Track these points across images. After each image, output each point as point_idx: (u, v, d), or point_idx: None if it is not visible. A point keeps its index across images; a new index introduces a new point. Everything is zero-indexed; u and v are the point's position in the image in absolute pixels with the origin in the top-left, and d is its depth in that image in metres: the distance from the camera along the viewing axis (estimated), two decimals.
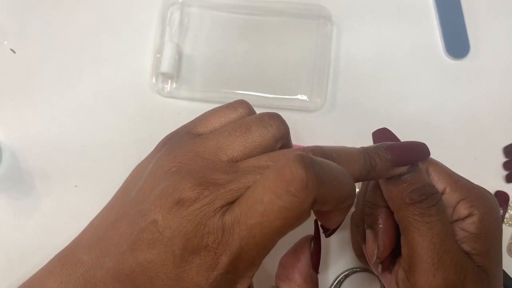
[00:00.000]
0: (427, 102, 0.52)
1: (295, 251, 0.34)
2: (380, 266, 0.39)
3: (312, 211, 0.28)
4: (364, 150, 0.34)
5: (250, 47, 0.52)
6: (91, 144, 0.49)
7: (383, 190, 0.38)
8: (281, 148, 0.35)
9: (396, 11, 0.54)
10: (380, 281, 0.48)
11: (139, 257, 0.29)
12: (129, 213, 0.31)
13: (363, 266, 0.48)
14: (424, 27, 0.54)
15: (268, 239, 0.27)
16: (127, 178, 0.36)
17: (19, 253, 0.46)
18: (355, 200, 0.45)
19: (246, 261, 0.28)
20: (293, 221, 0.27)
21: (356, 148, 0.35)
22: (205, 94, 0.50)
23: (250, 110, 0.37)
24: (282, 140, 0.34)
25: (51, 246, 0.34)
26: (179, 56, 0.51)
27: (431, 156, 0.39)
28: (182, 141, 0.34)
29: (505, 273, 0.47)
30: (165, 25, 0.51)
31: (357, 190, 0.46)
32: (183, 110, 0.50)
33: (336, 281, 0.48)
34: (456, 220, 0.37)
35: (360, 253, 0.45)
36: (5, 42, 0.50)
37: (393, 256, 0.39)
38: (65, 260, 0.32)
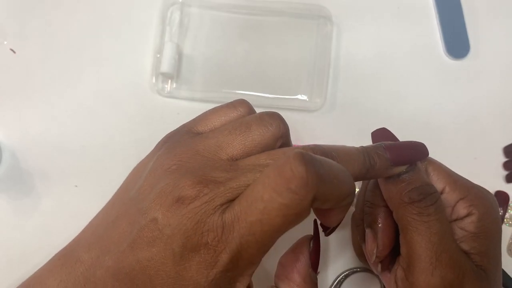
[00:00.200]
0: (427, 102, 0.52)
1: (294, 250, 0.34)
2: (379, 266, 0.39)
3: (312, 210, 0.29)
4: (363, 149, 0.35)
5: (250, 47, 0.52)
6: (91, 144, 0.49)
7: (382, 190, 0.38)
8: (281, 147, 0.35)
9: (396, 11, 0.54)
10: (380, 281, 0.48)
11: (139, 255, 0.29)
12: (129, 212, 0.31)
13: (363, 265, 0.48)
14: (424, 27, 0.54)
15: (268, 237, 0.27)
16: (127, 177, 0.36)
17: (19, 253, 0.46)
18: (355, 200, 0.45)
19: (245, 259, 0.28)
20: (293, 218, 0.27)
21: (355, 147, 0.35)
22: (205, 94, 0.50)
23: (250, 109, 0.37)
24: (282, 139, 0.34)
25: (51, 246, 0.34)
26: (179, 56, 0.51)
27: (431, 156, 0.39)
28: (182, 140, 0.34)
29: (505, 273, 0.47)
30: (165, 25, 0.51)
31: (357, 190, 0.46)
32: (183, 110, 0.50)
33: (336, 281, 0.48)
34: (455, 220, 0.37)
35: (360, 253, 0.45)
36: (5, 42, 0.50)
37: (392, 255, 0.39)
38: (65, 259, 0.32)
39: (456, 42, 0.53)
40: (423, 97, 0.52)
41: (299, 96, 0.51)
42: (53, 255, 0.34)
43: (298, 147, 0.35)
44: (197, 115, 0.38)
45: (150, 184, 0.31)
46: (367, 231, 0.39)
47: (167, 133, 0.37)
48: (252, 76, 0.51)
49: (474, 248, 0.36)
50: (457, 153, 0.51)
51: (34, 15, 0.51)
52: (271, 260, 0.35)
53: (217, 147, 0.32)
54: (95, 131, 0.49)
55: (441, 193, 0.38)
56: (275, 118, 0.34)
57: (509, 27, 0.54)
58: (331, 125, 0.51)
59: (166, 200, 0.29)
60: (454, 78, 0.53)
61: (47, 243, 0.43)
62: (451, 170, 0.39)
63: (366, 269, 0.48)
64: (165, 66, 0.49)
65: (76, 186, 0.48)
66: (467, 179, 0.39)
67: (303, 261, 0.33)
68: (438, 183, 0.38)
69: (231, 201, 0.29)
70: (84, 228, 0.34)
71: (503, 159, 0.51)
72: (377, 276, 0.48)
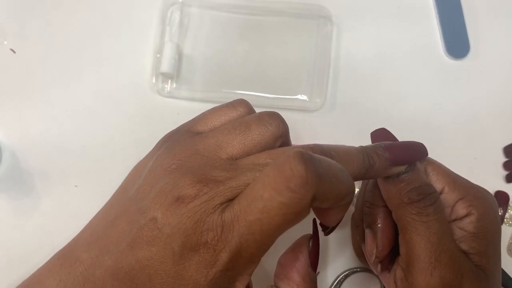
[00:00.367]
0: (427, 102, 0.52)
1: (293, 250, 0.34)
2: (379, 266, 0.39)
3: (311, 210, 0.29)
4: (363, 149, 0.35)
5: (250, 47, 0.52)
6: (91, 144, 0.49)
7: (382, 190, 0.38)
8: (280, 146, 0.35)
9: (396, 11, 0.54)
10: (380, 281, 0.48)
11: (138, 255, 0.29)
12: (128, 211, 0.31)
13: (363, 265, 0.48)
14: (424, 27, 0.54)
15: (268, 236, 0.27)
16: (127, 177, 0.36)
17: (19, 253, 0.46)
18: (355, 200, 0.45)
19: (245, 258, 0.28)
20: (293, 217, 0.27)
21: (354, 147, 0.35)
22: (205, 94, 0.50)
23: (249, 109, 0.37)
24: (282, 138, 0.34)
25: (51, 246, 0.34)
26: (179, 56, 0.51)
27: (431, 156, 0.39)
28: (182, 139, 0.34)
29: (504, 273, 0.47)
30: (165, 25, 0.51)
31: (357, 190, 0.46)
32: (183, 110, 0.50)
33: (336, 281, 0.48)
34: (455, 220, 0.37)
35: (360, 253, 0.45)
36: (5, 42, 0.50)
37: (392, 255, 0.38)
38: (64, 258, 0.32)
39: (456, 42, 0.53)
40: (423, 97, 0.52)
41: (299, 96, 0.51)
42: (53, 255, 0.34)
43: (297, 146, 0.35)
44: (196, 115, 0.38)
45: (150, 183, 0.31)
46: (367, 231, 0.39)
47: (167, 133, 0.37)
48: (252, 76, 0.51)
49: (473, 248, 0.36)
50: (457, 153, 0.51)
51: (34, 15, 0.51)
52: (270, 260, 0.35)
53: (217, 146, 0.32)
54: (95, 131, 0.49)
55: (440, 193, 0.38)
56: (274, 118, 0.34)
57: (509, 27, 0.54)
58: (331, 125, 0.51)
59: (165, 199, 0.29)
60: (454, 78, 0.53)
61: (47, 243, 0.44)
62: (450, 170, 0.39)
63: (366, 269, 0.48)
64: (165, 66, 0.49)
65: (76, 186, 0.48)
66: (466, 179, 0.39)
67: (303, 260, 0.33)
68: (437, 183, 0.38)
69: (231, 200, 0.29)
70: (83, 228, 0.34)
71: (503, 159, 0.51)
72: (377, 276, 0.48)
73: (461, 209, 0.37)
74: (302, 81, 0.51)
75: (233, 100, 0.37)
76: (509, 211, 0.49)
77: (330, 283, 0.48)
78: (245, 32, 0.52)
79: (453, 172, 0.39)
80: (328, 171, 0.28)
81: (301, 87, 0.51)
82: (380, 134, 0.39)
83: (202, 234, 0.28)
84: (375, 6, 0.54)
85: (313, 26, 0.52)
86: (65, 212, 0.47)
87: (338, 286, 0.48)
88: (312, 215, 0.33)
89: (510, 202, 0.50)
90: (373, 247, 0.38)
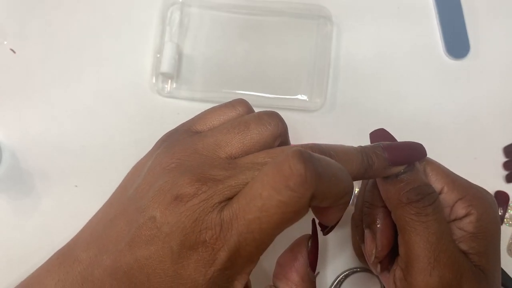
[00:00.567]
0: (427, 102, 0.52)
1: (292, 250, 0.34)
2: (379, 266, 0.39)
3: (310, 209, 0.29)
4: (362, 149, 0.35)
5: (250, 47, 0.52)
6: (91, 144, 0.49)
7: (381, 190, 0.38)
8: (279, 146, 0.35)
9: (396, 11, 0.54)
10: (380, 281, 0.48)
11: (137, 254, 0.28)
12: (127, 211, 0.31)
13: (363, 265, 0.48)
14: (424, 27, 0.54)
15: (266, 235, 0.27)
16: (126, 176, 0.36)
17: (19, 253, 0.46)
18: (355, 200, 0.45)
19: (244, 257, 0.28)
20: (292, 216, 0.27)
21: (353, 146, 0.35)
22: (205, 94, 0.50)
23: (248, 109, 0.37)
24: (281, 138, 0.34)
25: (51, 246, 0.34)
26: (179, 56, 0.51)
27: (431, 156, 0.39)
28: (181, 139, 0.34)
29: (504, 273, 0.47)
30: (165, 25, 0.51)
31: (357, 190, 0.46)
32: (183, 110, 0.50)
33: (336, 281, 0.48)
34: (454, 220, 0.37)
35: (360, 253, 0.45)
36: (5, 42, 0.50)
37: (391, 255, 0.38)
38: (63, 258, 0.32)
39: (456, 42, 0.53)
40: (423, 97, 0.52)
41: (299, 96, 0.51)
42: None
43: (296, 146, 0.35)
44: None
45: (149, 182, 0.31)
46: (366, 231, 0.39)
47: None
48: (252, 76, 0.51)
49: (473, 248, 0.36)
50: (457, 153, 0.51)
51: (34, 15, 0.51)
52: (269, 260, 0.35)
53: (216, 145, 0.32)
54: (95, 131, 0.49)
55: (440, 193, 0.38)
56: (273, 117, 0.34)
57: (509, 27, 0.54)
58: (331, 125, 0.51)
59: (164, 198, 0.29)
60: (454, 78, 0.52)
61: (47, 243, 0.43)
62: (449, 170, 0.39)
63: (366, 269, 0.48)
64: (165, 66, 0.49)
65: (76, 186, 0.48)
66: (466, 179, 0.39)
67: (302, 260, 0.33)
68: (437, 183, 0.38)
69: (230, 199, 0.29)
70: (82, 228, 0.34)
71: (503, 159, 0.51)
72: (377, 276, 0.48)
73: (460, 209, 0.37)
74: (302, 81, 0.51)
75: (232, 100, 0.38)
76: (509, 211, 0.49)
77: (330, 283, 0.48)
78: (245, 32, 0.52)
79: (452, 172, 0.39)
80: (327, 170, 0.28)
81: (301, 87, 0.51)
82: (379, 135, 0.39)
83: (200, 232, 0.28)
84: (375, 6, 0.54)
85: (313, 26, 0.52)
86: (65, 212, 0.47)
87: (338, 286, 0.48)
88: (311, 215, 0.33)
89: (510, 202, 0.50)
90: (373, 248, 0.38)
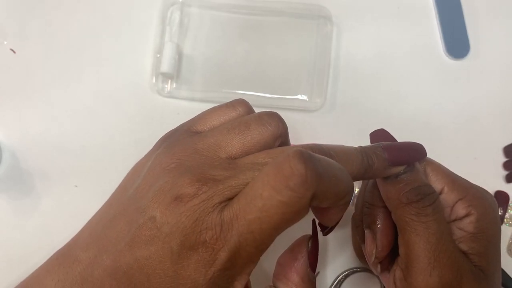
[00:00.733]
0: (427, 102, 0.52)
1: (292, 250, 0.34)
2: (379, 266, 0.39)
3: (310, 210, 0.29)
4: (362, 149, 0.35)
5: (250, 47, 0.52)
6: (91, 144, 0.49)
7: (381, 190, 0.38)
8: (279, 146, 0.35)
9: (396, 11, 0.54)
10: (380, 281, 0.48)
11: (137, 254, 0.28)
12: (127, 211, 0.31)
13: (363, 265, 0.48)
14: (424, 27, 0.54)
15: (267, 235, 0.27)
16: (126, 176, 0.36)
17: (19, 253, 0.46)
18: (355, 200, 0.45)
19: (244, 257, 0.28)
20: (292, 216, 0.27)
21: (353, 147, 0.35)
22: (205, 94, 0.50)
23: (249, 109, 0.37)
24: (281, 138, 0.34)
25: (51, 246, 0.34)
26: (179, 56, 0.51)
27: (431, 156, 0.39)
28: (181, 139, 0.34)
29: (504, 273, 0.47)
30: (165, 25, 0.51)
31: (357, 190, 0.46)
32: (183, 110, 0.50)
33: (336, 281, 0.48)
34: (454, 220, 0.37)
35: (360, 253, 0.45)
36: (5, 42, 0.50)
37: (392, 256, 0.38)
38: (63, 258, 0.32)
39: (456, 42, 0.53)
40: (423, 97, 0.52)
41: (299, 96, 0.51)
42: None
43: (296, 146, 0.35)
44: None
45: (149, 182, 0.31)
46: (366, 232, 0.39)
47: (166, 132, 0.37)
48: (252, 76, 0.51)
49: (473, 249, 0.36)
50: (457, 153, 0.51)
51: (34, 15, 0.51)
52: (269, 260, 0.35)
53: (216, 146, 0.32)
54: (95, 131, 0.49)
55: (440, 193, 0.38)
56: (274, 118, 0.34)
57: (509, 27, 0.54)
58: (331, 125, 0.51)
59: (164, 198, 0.29)
60: (454, 78, 0.52)
61: (47, 243, 0.43)
62: (449, 171, 0.39)
63: (366, 269, 0.48)
64: (165, 66, 0.49)
65: (76, 186, 0.48)
66: (466, 180, 0.39)
67: (302, 261, 0.33)
68: (437, 184, 0.38)
69: (230, 199, 0.29)
70: (82, 228, 0.34)
71: (503, 159, 0.51)
72: (377, 276, 0.48)
73: (460, 210, 0.37)
74: (302, 81, 0.51)
75: (233, 100, 0.38)
76: (509, 211, 0.49)
77: (330, 283, 0.48)
78: (245, 32, 0.52)
79: (452, 172, 0.39)
80: (328, 170, 0.28)
81: (301, 87, 0.51)
82: (379, 135, 0.39)
83: (200, 233, 0.28)
84: (375, 6, 0.54)
85: (313, 26, 0.52)
86: (65, 212, 0.47)
87: (338, 286, 0.48)
88: (311, 215, 0.33)
89: (510, 202, 0.50)
90: (373, 248, 0.38)
